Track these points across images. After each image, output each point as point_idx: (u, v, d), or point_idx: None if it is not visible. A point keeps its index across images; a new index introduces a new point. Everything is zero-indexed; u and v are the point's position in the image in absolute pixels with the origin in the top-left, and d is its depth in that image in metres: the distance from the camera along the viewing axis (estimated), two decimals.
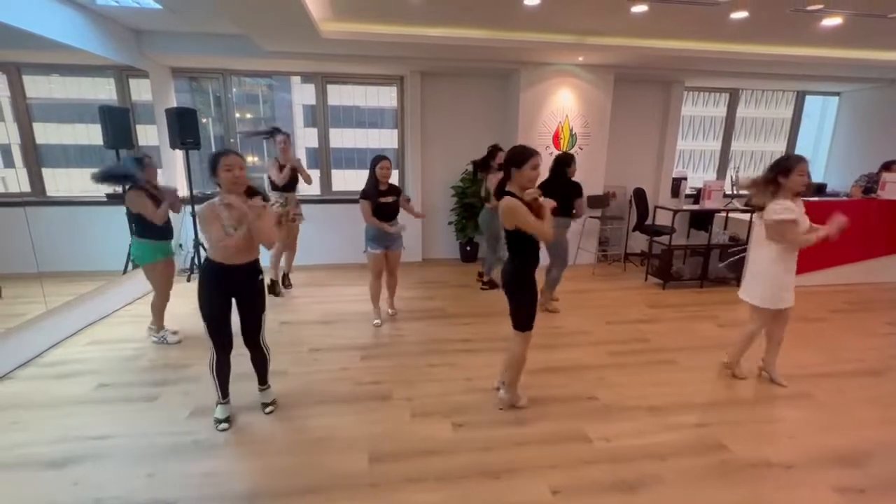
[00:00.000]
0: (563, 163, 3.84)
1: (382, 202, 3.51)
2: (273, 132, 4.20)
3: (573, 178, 3.89)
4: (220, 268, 2.26)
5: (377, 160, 3.47)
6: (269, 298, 2.61)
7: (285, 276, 4.72)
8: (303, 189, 4.65)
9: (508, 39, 4.38)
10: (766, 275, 2.71)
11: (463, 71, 5.45)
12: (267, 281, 3.39)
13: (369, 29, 4.18)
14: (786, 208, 2.53)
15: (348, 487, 2.00)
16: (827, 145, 6.92)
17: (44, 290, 3.29)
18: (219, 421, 2.41)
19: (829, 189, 6.37)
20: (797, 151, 6.88)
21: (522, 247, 2.38)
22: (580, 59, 5.01)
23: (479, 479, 2.05)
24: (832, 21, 3.94)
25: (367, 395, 2.75)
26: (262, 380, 2.61)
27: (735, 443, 2.32)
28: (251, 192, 2.25)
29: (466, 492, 1.98)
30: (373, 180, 3.48)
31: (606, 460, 2.19)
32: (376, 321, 3.81)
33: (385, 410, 2.60)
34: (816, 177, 6.87)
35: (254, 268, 2.37)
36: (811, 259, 4.85)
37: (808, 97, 6.72)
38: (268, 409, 2.56)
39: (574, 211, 3.85)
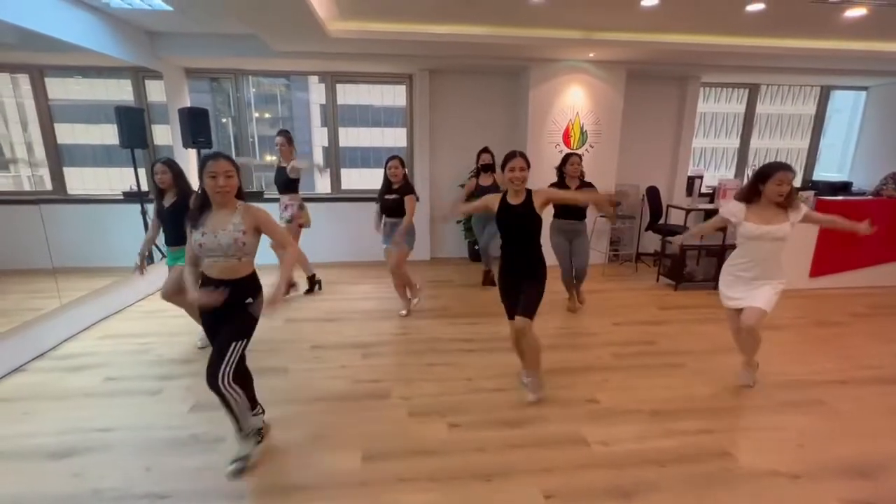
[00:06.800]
0: (560, 165, 3.82)
1: (386, 198, 3.72)
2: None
3: (583, 179, 3.81)
4: (203, 277, 2.00)
5: (387, 160, 3.69)
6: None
7: (293, 285, 4.49)
8: (319, 188, 4.59)
9: (517, 36, 4.32)
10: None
11: (471, 69, 5.41)
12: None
13: (376, 27, 4.18)
14: (728, 209, 2.57)
15: (339, 486, 2.00)
16: (854, 142, 6.63)
17: (58, 285, 3.40)
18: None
19: (854, 188, 6.09)
20: (823, 148, 6.62)
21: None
22: (591, 55, 4.92)
23: (470, 481, 2.02)
24: (856, 12, 3.76)
25: (364, 393, 2.75)
26: (239, 425, 2.08)
27: (740, 450, 2.24)
28: (240, 195, 1.99)
29: (456, 493, 1.96)
30: (385, 179, 3.72)
31: (603, 465, 2.13)
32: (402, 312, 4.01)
33: (382, 409, 2.59)
34: (842, 174, 6.59)
35: (237, 287, 1.95)
36: (832, 261, 4.67)
37: (838, 92, 6.45)
38: (232, 466, 2.03)
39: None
